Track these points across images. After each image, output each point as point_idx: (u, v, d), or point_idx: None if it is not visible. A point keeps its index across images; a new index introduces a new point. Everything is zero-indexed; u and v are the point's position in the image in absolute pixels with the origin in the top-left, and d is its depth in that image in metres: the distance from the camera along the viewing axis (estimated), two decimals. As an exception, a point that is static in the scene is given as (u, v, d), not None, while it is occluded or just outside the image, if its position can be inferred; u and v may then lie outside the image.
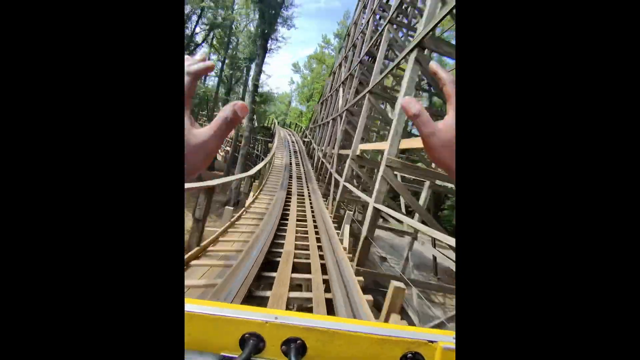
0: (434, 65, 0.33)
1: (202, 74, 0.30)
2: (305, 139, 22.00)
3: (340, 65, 15.63)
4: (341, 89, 12.50)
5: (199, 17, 19.33)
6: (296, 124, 35.11)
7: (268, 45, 17.33)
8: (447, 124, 0.31)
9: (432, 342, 0.65)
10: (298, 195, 8.26)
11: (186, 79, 0.28)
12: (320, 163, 13.11)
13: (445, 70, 0.33)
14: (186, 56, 0.30)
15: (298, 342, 0.63)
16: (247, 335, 0.61)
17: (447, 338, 0.67)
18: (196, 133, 0.28)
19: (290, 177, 10.64)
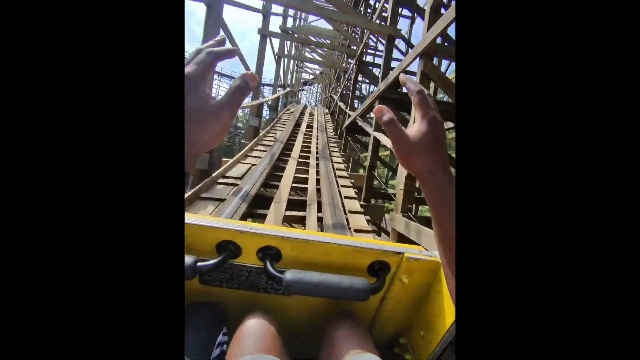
0: (403, 76, 0.38)
1: (224, 57, 0.31)
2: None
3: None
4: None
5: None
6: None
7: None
8: (414, 130, 0.35)
9: (398, 253, 0.69)
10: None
11: (207, 57, 0.30)
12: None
13: (413, 81, 0.37)
14: (211, 42, 0.32)
15: (273, 249, 0.66)
16: (223, 242, 0.64)
17: (413, 250, 0.71)
18: (212, 106, 0.30)
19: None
